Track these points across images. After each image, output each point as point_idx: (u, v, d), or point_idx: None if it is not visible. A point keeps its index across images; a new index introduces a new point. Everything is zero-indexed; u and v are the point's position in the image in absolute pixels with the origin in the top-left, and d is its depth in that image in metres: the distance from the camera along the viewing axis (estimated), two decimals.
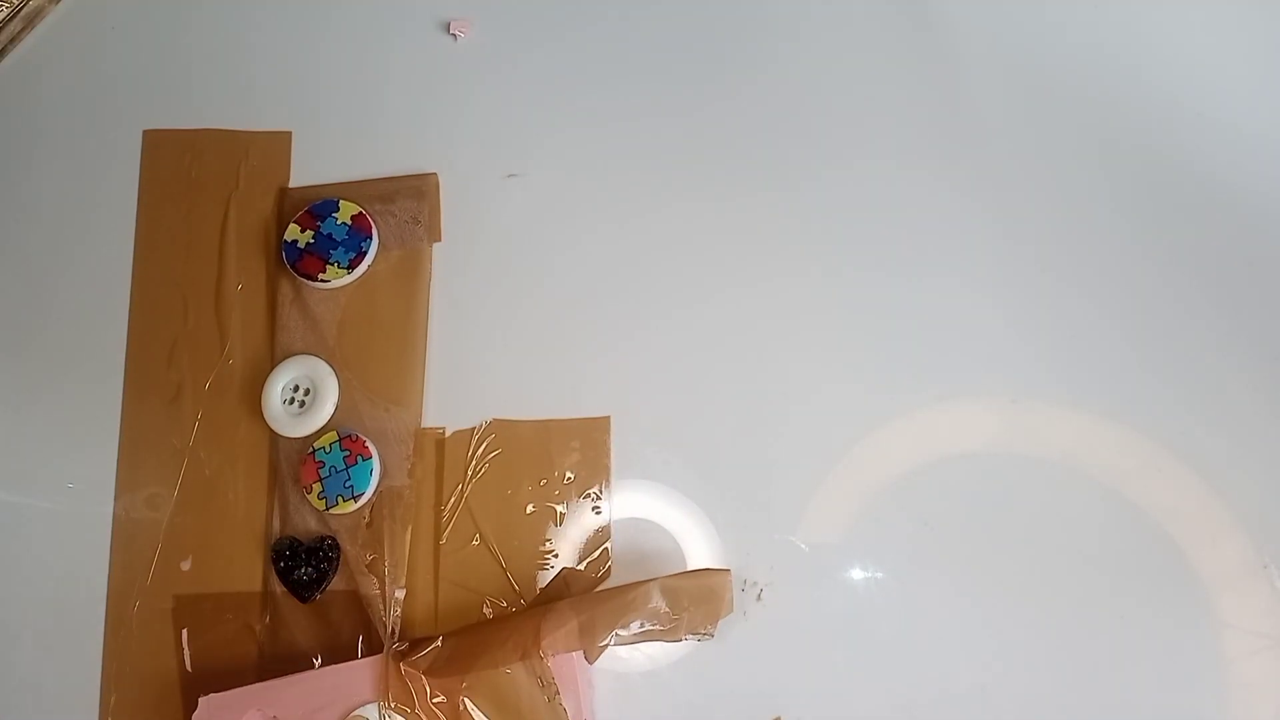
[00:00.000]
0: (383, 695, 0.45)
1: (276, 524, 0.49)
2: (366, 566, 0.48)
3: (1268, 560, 0.48)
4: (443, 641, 0.46)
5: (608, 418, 0.50)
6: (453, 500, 0.49)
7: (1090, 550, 0.48)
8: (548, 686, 0.45)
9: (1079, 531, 0.49)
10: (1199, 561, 0.48)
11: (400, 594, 0.48)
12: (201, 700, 0.45)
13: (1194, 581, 0.48)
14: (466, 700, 0.45)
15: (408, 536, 0.49)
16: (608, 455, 0.50)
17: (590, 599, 0.47)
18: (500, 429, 0.50)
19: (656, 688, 0.47)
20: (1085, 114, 0.54)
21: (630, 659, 0.48)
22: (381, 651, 0.46)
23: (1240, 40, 0.55)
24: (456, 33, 0.55)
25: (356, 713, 0.44)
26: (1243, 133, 0.53)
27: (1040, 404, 0.50)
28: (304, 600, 0.48)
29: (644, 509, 0.49)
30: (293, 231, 0.51)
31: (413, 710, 0.45)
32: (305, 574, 0.48)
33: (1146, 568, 0.48)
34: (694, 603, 0.46)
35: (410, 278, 0.52)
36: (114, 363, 0.51)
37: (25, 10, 0.55)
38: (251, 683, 0.46)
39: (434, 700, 0.45)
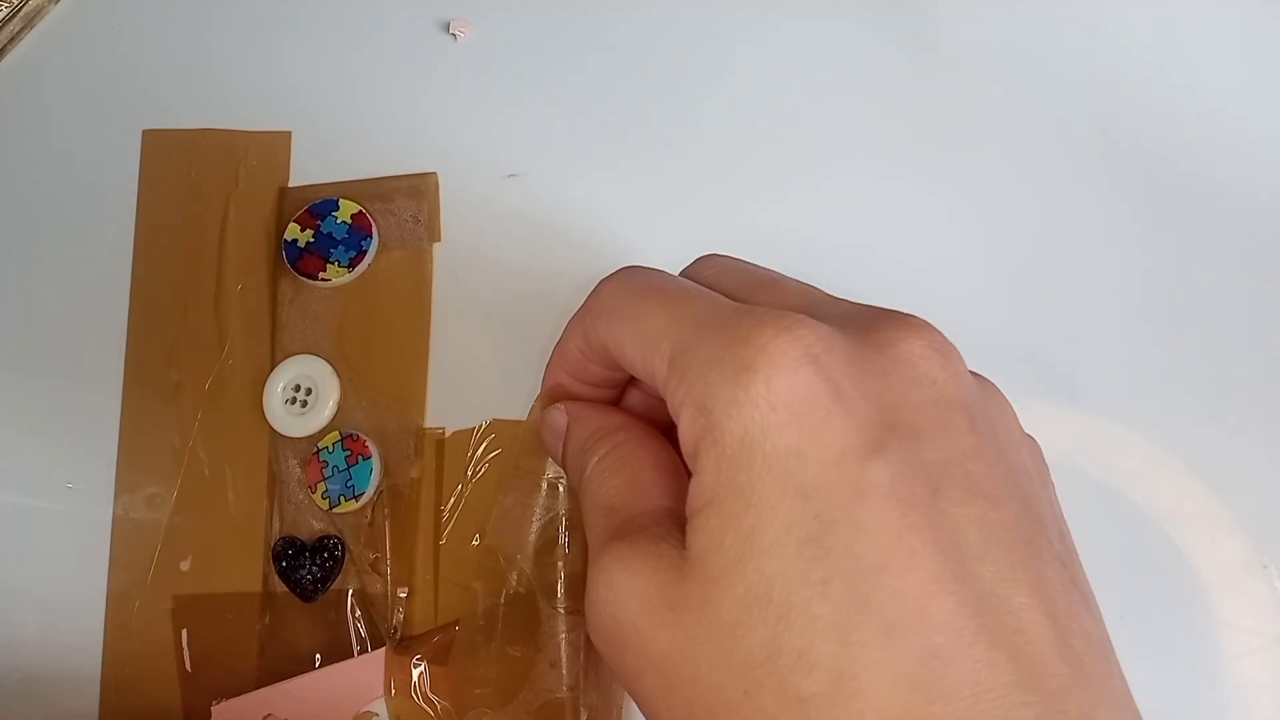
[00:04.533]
0: (386, 690, 0.45)
1: (276, 524, 0.49)
2: (370, 566, 0.48)
3: (1268, 560, 0.48)
4: (445, 631, 0.46)
5: None
6: (453, 500, 0.49)
7: (1089, 550, 0.48)
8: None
9: (1078, 531, 0.48)
10: (1199, 561, 0.48)
11: (403, 593, 0.48)
12: (214, 709, 0.45)
13: (1194, 581, 0.48)
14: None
15: (410, 535, 0.48)
16: None
17: None
18: (500, 429, 0.50)
19: None
20: (1084, 116, 0.54)
21: None
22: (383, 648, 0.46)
23: (1240, 40, 0.55)
24: (456, 33, 0.55)
25: (366, 709, 0.44)
26: (1244, 133, 0.53)
27: (1040, 404, 0.50)
28: (307, 599, 0.48)
29: None
30: (292, 231, 0.51)
31: (415, 703, 0.45)
32: (309, 573, 0.48)
33: (1145, 568, 0.48)
34: None
35: (412, 276, 0.52)
36: (113, 362, 0.51)
37: (25, 10, 0.55)
38: (252, 682, 0.46)
39: (436, 695, 0.45)
